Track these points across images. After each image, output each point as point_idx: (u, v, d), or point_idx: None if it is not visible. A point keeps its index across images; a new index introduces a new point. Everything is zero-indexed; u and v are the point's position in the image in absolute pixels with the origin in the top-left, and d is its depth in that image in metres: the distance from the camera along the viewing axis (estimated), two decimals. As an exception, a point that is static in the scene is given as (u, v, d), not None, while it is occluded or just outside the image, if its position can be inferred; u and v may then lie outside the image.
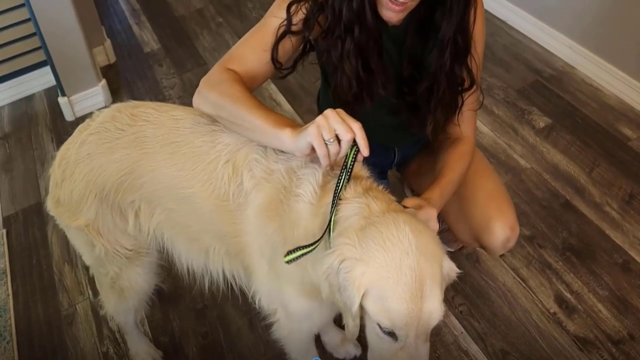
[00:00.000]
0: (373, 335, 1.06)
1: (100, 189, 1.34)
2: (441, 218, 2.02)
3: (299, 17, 1.32)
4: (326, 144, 1.08)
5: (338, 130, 1.07)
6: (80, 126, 1.41)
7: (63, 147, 1.41)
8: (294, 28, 1.32)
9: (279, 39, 1.32)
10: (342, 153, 1.10)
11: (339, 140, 1.08)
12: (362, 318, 1.08)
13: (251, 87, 1.30)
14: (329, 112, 1.08)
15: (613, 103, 2.54)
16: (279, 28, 1.32)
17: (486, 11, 3.10)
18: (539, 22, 2.88)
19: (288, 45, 1.34)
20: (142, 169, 1.32)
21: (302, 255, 1.07)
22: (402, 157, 1.79)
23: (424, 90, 1.40)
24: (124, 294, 1.57)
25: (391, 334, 1.01)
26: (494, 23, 3.05)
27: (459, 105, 1.46)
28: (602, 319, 1.82)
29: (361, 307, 1.04)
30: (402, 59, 1.43)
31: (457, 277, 1.84)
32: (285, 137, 1.13)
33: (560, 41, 2.79)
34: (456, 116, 1.48)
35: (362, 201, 1.11)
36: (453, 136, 1.54)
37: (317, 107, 1.77)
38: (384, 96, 1.42)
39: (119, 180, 1.33)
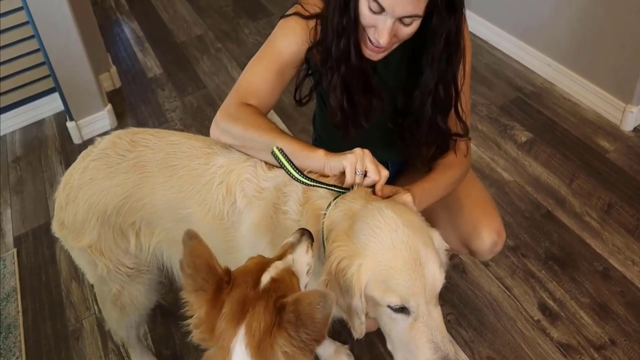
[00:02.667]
0: (387, 322, 1.04)
1: (102, 211, 1.34)
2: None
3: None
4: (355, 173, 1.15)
5: (369, 168, 1.15)
6: (83, 152, 1.42)
7: (67, 173, 1.42)
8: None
9: (300, 83, 1.40)
10: (361, 185, 1.16)
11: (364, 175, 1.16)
12: (367, 315, 1.08)
13: (266, 113, 1.33)
14: (366, 151, 1.16)
15: (591, 117, 2.53)
16: (298, 71, 1.36)
17: (469, 32, 3.11)
18: (519, 41, 2.88)
19: (293, 74, 1.36)
20: (142, 192, 1.32)
21: (284, 163, 1.16)
22: (395, 171, 1.77)
23: (410, 125, 1.39)
24: (125, 310, 1.56)
25: (403, 310, 1.00)
26: (476, 43, 3.05)
27: (448, 147, 1.43)
28: (584, 325, 1.79)
29: (366, 301, 1.04)
30: (397, 89, 1.41)
31: (444, 287, 1.83)
32: (319, 156, 1.19)
33: (539, 59, 2.78)
34: (447, 155, 1.44)
35: (343, 206, 1.13)
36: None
37: (313, 127, 1.76)
38: (380, 119, 1.40)
39: (120, 203, 1.33)
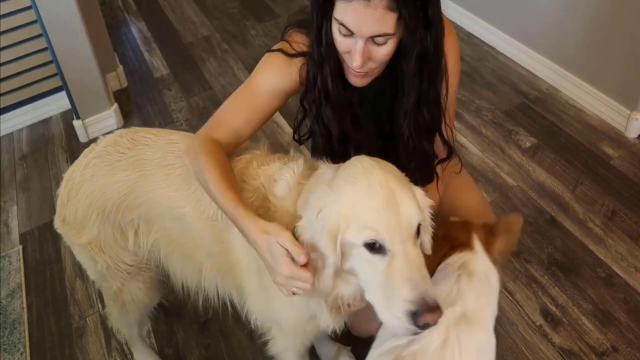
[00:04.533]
0: (365, 267, 1.02)
1: (102, 208, 1.35)
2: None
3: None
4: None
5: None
6: (86, 150, 1.43)
7: (70, 170, 1.43)
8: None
9: (299, 125, 1.42)
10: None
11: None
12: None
13: (233, 148, 1.31)
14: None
15: (595, 123, 2.53)
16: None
17: (474, 37, 3.13)
18: (524, 47, 2.88)
19: (271, 108, 1.35)
20: (141, 189, 1.33)
21: None
22: None
23: (394, 148, 1.37)
24: (125, 307, 1.57)
25: (380, 249, 0.99)
26: (481, 48, 3.05)
27: (434, 174, 1.41)
28: (586, 331, 1.79)
29: (344, 251, 1.03)
30: (384, 114, 1.39)
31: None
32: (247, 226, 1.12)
33: (544, 65, 2.78)
34: (436, 183, 1.42)
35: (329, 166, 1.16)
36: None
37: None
38: (369, 145, 1.37)
39: (119, 199, 1.34)
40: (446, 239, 1.16)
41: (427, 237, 1.10)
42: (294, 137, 1.46)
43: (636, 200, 2.16)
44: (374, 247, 0.99)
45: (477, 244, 1.17)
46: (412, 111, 1.27)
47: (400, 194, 1.00)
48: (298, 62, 1.30)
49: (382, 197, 0.99)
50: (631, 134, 2.42)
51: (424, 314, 0.95)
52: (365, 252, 1.00)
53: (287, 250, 1.03)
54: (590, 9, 2.43)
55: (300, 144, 1.50)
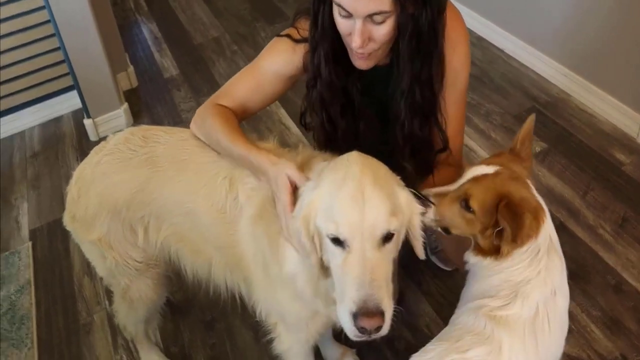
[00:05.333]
0: (330, 258, 1.04)
1: (113, 205, 1.36)
2: (437, 239, 1.99)
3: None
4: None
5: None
6: (95, 148, 1.44)
7: (80, 167, 1.44)
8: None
9: (305, 111, 1.44)
10: None
11: None
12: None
13: (242, 117, 1.37)
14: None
15: (607, 129, 2.50)
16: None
17: (485, 40, 3.11)
18: (535, 50, 2.86)
19: (273, 91, 1.40)
20: (152, 186, 1.34)
21: None
22: None
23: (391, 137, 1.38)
24: (133, 304, 1.57)
25: (341, 243, 0.99)
26: (492, 51, 3.04)
27: (431, 167, 1.43)
28: (594, 339, 1.76)
29: (319, 238, 1.04)
30: (375, 101, 1.41)
31: (451, 291, 1.81)
32: (266, 166, 1.19)
33: (555, 69, 2.76)
34: (431, 175, 1.44)
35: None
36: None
37: None
38: (371, 135, 1.40)
39: (130, 197, 1.35)
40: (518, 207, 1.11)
41: (417, 244, 1.10)
42: (300, 121, 1.49)
43: (648, 207, 2.14)
44: (338, 240, 1.00)
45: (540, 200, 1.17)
46: (408, 92, 1.28)
47: (371, 194, 0.98)
48: (303, 48, 1.34)
49: (351, 192, 0.99)
50: (643, 140, 2.40)
51: (362, 317, 0.95)
52: (330, 244, 1.02)
53: (291, 179, 1.12)
54: (603, 14, 2.41)
55: (307, 129, 1.53)
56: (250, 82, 1.38)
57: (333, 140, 1.40)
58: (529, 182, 1.18)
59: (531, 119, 1.28)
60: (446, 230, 1.26)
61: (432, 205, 1.23)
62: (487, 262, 1.17)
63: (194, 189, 1.31)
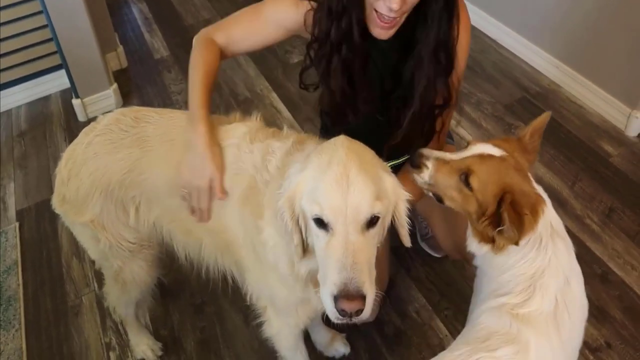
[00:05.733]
0: (314, 240, 1.04)
1: (106, 185, 1.34)
2: (427, 225, 2.00)
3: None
4: None
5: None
6: (85, 129, 1.42)
7: (69, 148, 1.42)
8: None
9: (303, 72, 1.44)
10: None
11: None
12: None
13: (227, 56, 1.44)
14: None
15: (596, 121, 2.52)
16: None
17: (477, 29, 3.10)
18: (527, 42, 2.86)
19: (269, 40, 1.44)
20: (143, 166, 1.33)
21: None
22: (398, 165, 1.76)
23: (400, 104, 1.39)
24: (126, 286, 1.56)
25: (324, 225, 1.00)
26: (484, 41, 3.03)
27: (437, 128, 1.44)
28: (580, 326, 1.79)
29: (304, 220, 1.05)
30: (387, 72, 1.42)
31: (444, 282, 1.82)
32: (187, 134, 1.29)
33: (547, 60, 2.76)
34: (437, 135, 1.46)
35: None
36: None
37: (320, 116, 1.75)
38: (369, 113, 1.41)
39: (122, 177, 1.33)
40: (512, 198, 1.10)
41: (402, 231, 1.10)
42: (300, 85, 1.49)
43: (634, 198, 2.16)
44: (322, 222, 1.00)
45: (541, 192, 1.16)
46: (428, 57, 1.30)
47: (356, 178, 0.98)
48: (305, 5, 1.34)
49: (335, 175, 0.99)
50: (631, 133, 2.41)
51: (342, 300, 0.95)
52: (314, 226, 1.02)
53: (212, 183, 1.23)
54: (594, 6, 2.41)
55: (307, 90, 1.53)
56: (250, 25, 1.41)
57: (342, 108, 1.40)
58: (529, 175, 1.18)
59: (546, 115, 1.26)
60: (437, 197, 1.25)
61: (428, 168, 1.22)
62: (487, 252, 1.17)
63: None
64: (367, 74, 1.37)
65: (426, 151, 1.23)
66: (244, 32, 1.41)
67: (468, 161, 1.17)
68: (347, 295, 0.95)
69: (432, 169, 1.21)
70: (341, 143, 1.06)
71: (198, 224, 1.30)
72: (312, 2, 1.34)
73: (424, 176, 1.22)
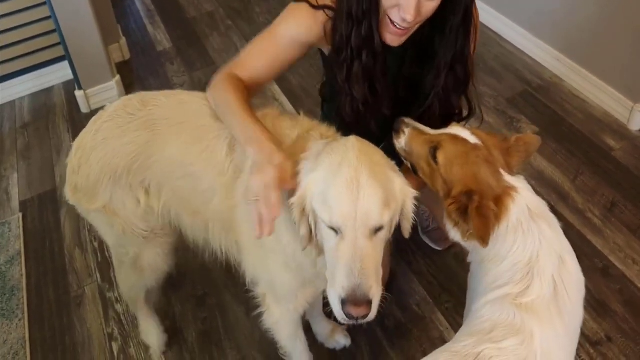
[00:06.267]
0: (324, 237, 1.05)
1: (114, 171, 1.33)
2: (432, 218, 1.99)
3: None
4: None
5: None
6: (94, 117, 1.41)
7: (79, 137, 1.41)
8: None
9: (323, 86, 1.47)
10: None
11: None
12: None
13: (255, 91, 1.33)
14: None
15: (598, 114, 2.50)
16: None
17: (480, 23, 3.07)
18: (529, 34, 2.84)
19: (292, 58, 1.35)
20: (152, 149, 1.31)
21: None
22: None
23: (417, 112, 1.38)
24: (144, 273, 1.56)
25: (334, 228, 1.01)
26: (486, 34, 3.01)
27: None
28: (580, 320, 1.79)
29: (314, 217, 1.05)
30: (400, 78, 1.41)
31: (445, 275, 1.81)
32: (248, 154, 1.15)
33: (549, 54, 2.74)
34: None
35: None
36: None
37: (321, 98, 1.73)
38: (385, 109, 1.40)
39: (130, 160, 1.32)
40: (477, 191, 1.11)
41: (406, 224, 1.11)
42: (320, 94, 1.49)
43: (636, 192, 2.15)
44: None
45: (515, 181, 1.15)
46: (446, 69, 1.29)
47: (366, 182, 0.99)
48: (321, 15, 1.31)
49: (346, 179, 0.99)
50: (634, 127, 2.40)
51: (349, 305, 0.97)
52: (324, 225, 1.03)
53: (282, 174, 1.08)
54: (597, 0, 2.38)
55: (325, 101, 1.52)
56: (267, 53, 1.33)
57: (364, 116, 1.38)
58: (501, 170, 1.16)
59: (536, 139, 1.27)
60: (413, 168, 1.28)
61: (405, 134, 1.26)
62: (477, 246, 1.15)
63: (194, 151, 1.28)
64: (386, 79, 1.36)
65: (408, 120, 1.27)
66: (264, 62, 1.33)
67: (441, 137, 1.20)
68: (355, 301, 0.97)
69: (408, 136, 1.26)
70: (352, 145, 1.06)
71: (257, 239, 1.11)
72: (327, 11, 1.31)
73: (401, 142, 1.26)
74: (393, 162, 1.12)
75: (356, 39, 1.26)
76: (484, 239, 1.09)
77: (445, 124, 1.35)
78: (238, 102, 1.21)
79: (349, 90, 1.35)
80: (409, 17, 1.17)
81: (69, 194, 1.42)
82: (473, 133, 1.19)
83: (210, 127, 1.28)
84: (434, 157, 1.18)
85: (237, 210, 1.27)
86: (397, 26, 1.22)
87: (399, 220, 1.11)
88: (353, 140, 1.07)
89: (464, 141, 1.17)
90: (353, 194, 0.98)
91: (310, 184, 1.05)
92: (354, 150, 1.03)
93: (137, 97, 1.37)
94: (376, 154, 1.08)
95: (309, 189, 1.05)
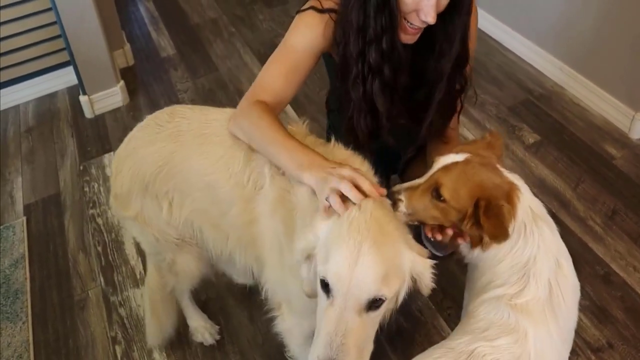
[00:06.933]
0: (318, 292, 1.02)
1: (142, 179, 1.37)
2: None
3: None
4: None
5: (349, 195, 1.03)
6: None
7: (120, 146, 1.46)
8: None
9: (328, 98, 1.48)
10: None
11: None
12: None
13: (279, 109, 1.32)
14: (344, 176, 1.05)
15: (599, 123, 2.52)
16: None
17: (482, 31, 3.10)
18: (531, 44, 2.87)
19: (309, 67, 1.35)
20: (176, 160, 1.34)
21: None
22: (406, 159, 1.77)
23: (422, 97, 1.39)
24: (179, 277, 1.58)
25: (327, 288, 0.98)
26: (488, 43, 3.04)
27: (457, 109, 1.48)
28: (582, 327, 1.79)
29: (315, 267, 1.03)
30: (405, 68, 1.39)
31: (446, 280, 1.82)
32: (305, 179, 1.11)
33: (551, 63, 2.77)
34: (456, 118, 1.49)
35: None
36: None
37: (327, 108, 1.74)
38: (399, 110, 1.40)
39: (156, 170, 1.35)
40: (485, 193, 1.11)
41: (426, 291, 1.06)
42: (326, 105, 1.50)
43: (637, 200, 2.17)
44: (326, 284, 0.98)
45: (515, 179, 1.16)
46: (449, 51, 1.30)
47: (367, 251, 0.94)
48: (329, 20, 1.30)
49: (349, 243, 0.96)
50: (635, 135, 2.42)
51: None
52: (319, 282, 1.00)
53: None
54: (599, 11, 2.42)
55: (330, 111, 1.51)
56: (285, 70, 1.32)
57: (380, 125, 1.37)
58: (498, 165, 1.17)
59: (497, 136, 1.28)
60: (422, 223, 1.24)
61: (402, 200, 1.20)
62: (478, 253, 1.17)
63: (213, 162, 1.29)
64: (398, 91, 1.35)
65: (396, 187, 1.23)
66: (283, 79, 1.32)
67: (435, 177, 1.17)
68: None
69: (405, 200, 1.20)
70: (365, 206, 1.01)
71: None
72: (333, 15, 1.30)
73: (402, 209, 1.21)
74: (408, 233, 1.06)
75: (376, 55, 1.24)
76: (500, 235, 1.08)
77: (450, 102, 1.40)
78: (274, 128, 1.19)
79: (366, 107, 1.32)
80: (430, 19, 1.17)
81: (111, 201, 1.48)
82: (457, 152, 1.19)
83: (231, 139, 1.28)
84: (440, 197, 1.15)
85: (258, 225, 1.27)
86: (415, 27, 1.22)
87: (418, 288, 1.07)
88: (370, 203, 1.02)
89: (455, 164, 1.16)
90: (352, 259, 0.94)
91: (316, 235, 1.02)
92: (366, 214, 0.99)
93: (168, 110, 1.42)
94: (390, 223, 1.02)
95: (317, 236, 1.02)
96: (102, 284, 2.05)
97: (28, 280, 2.06)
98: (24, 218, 2.31)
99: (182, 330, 1.89)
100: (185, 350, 1.85)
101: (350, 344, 0.94)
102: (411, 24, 1.22)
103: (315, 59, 1.36)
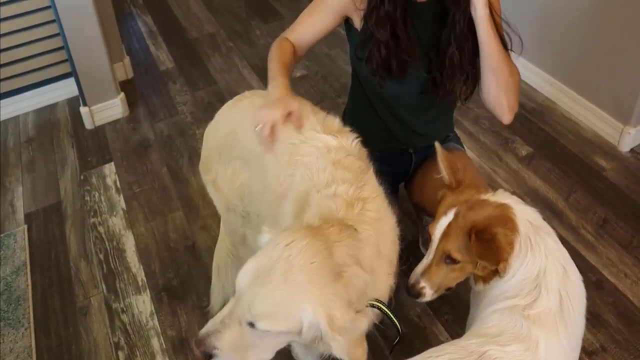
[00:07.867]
0: None
1: (217, 146, 1.52)
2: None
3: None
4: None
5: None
6: None
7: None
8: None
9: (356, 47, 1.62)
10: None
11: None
12: None
13: (304, 49, 1.61)
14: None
15: (590, 136, 2.61)
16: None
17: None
18: (523, 60, 2.95)
19: (334, 21, 1.58)
20: (241, 129, 1.45)
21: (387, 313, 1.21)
22: (417, 162, 1.84)
23: (452, 56, 1.52)
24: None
25: None
26: (482, 59, 3.13)
27: (471, 75, 1.62)
28: (576, 331, 1.86)
29: None
30: (426, 36, 1.54)
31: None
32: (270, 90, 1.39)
33: (542, 78, 2.86)
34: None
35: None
36: None
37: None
38: (414, 72, 1.54)
39: (225, 137, 1.49)
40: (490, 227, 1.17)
41: (334, 349, 1.01)
42: (356, 55, 1.63)
43: (627, 210, 2.25)
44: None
45: (503, 197, 1.24)
46: (462, 19, 1.47)
47: (256, 287, 0.98)
48: None
49: (261, 263, 1.00)
50: (624, 148, 2.51)
51: (195, 342, 1.05)
52: None
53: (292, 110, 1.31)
54: (589, 27, 2.51)
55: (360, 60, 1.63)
56: (310, 19, 1.59)
57: (387, 59, 1.52)
58: (483, 195, 1.24)
59: (438, 147, 1.35)
60: (448, 289, 1.34)
61: (423, 285, 1.30)
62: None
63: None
64: (407, 29, 1.49)
65: (411, 279, 1.31)
66: (306, 25, 1.59)
67: (440, 247, 1.25)
68: (197, 341, 1.03)
69: (427, 283, 1.29)
70: (302, 236, 1.02)
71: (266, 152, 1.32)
72: None
73: (427, 295, 1.30)
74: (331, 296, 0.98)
75: None
76: (498, 259, 1.15)
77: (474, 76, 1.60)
78: (277, 59, 1.47)
79: (376, 37, 1.49)
80: None
81: (200, 167, 1.64)
82: (444, 212, 1.24)
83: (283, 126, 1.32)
84: (455, 262, 1.24)
85: (283, 224, 1.29)
86: None
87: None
88: (306, 242, 1.00)
89: (449, 225, 1.23)
90: (252, 277, 0.99)
91: (264, 238, 1.09)
92: (296, 247, 0.99)
93: (249, 92, 1.61)
94: (313, 272, 0.98)
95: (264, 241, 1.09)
96: (104, 291, 2.08)
97: (30, 287, 2.09)
98: (25, 226, 2.34)
99: (183, 335, 1.93)
100: (187, 355, 1.87)
101: (225, 343, 1.01)
102: None
103: (337, 18, 1.57)
